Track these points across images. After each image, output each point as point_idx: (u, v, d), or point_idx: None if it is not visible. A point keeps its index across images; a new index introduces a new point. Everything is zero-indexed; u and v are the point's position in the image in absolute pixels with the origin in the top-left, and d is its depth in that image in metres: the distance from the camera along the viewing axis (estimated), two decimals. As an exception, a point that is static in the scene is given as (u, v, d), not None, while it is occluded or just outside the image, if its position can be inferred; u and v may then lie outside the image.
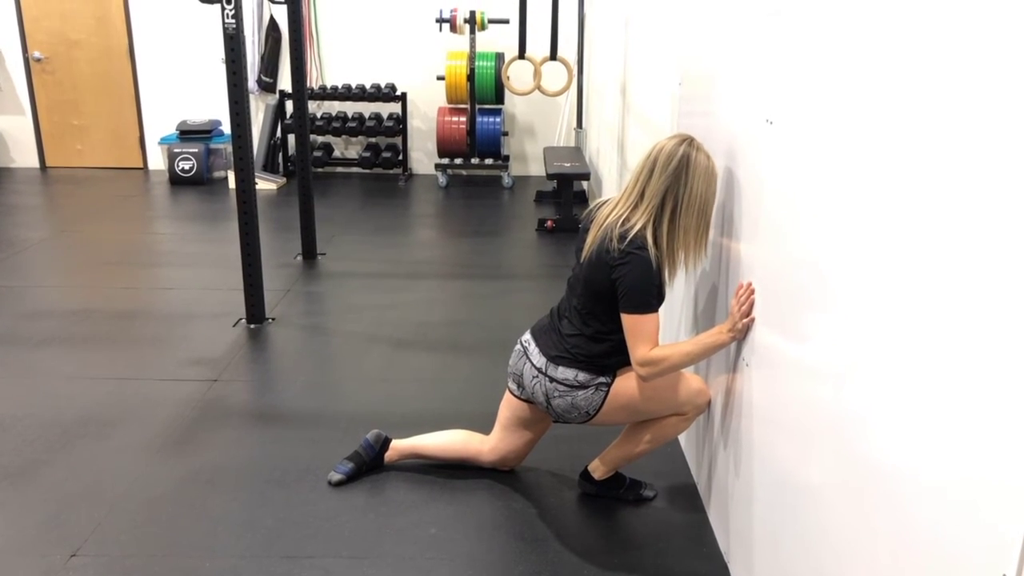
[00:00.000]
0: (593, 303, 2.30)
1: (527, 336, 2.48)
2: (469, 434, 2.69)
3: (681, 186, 2.17)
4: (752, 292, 2.05)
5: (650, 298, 2.19)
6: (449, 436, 2.70)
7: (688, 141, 2.21)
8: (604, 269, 2.21)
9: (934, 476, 1.18)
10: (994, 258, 1.04)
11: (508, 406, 2.57)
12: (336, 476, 2.62)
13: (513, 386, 2.52)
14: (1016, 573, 0.99)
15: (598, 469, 2.56)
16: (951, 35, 1.15)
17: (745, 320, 2.07)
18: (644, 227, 2.18)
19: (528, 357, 2.42)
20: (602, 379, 2.33)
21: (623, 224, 2.21)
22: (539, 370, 2.38)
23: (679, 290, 2.91)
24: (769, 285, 1.95)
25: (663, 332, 2.92)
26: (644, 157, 2.24)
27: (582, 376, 2.32)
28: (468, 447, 2.66)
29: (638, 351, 2.21)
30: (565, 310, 2.41)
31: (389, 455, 2.69)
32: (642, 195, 2.21)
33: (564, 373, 2.34)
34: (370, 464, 2.66)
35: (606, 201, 2.35)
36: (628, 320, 2.21)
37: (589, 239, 2.28)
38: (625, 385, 2.33)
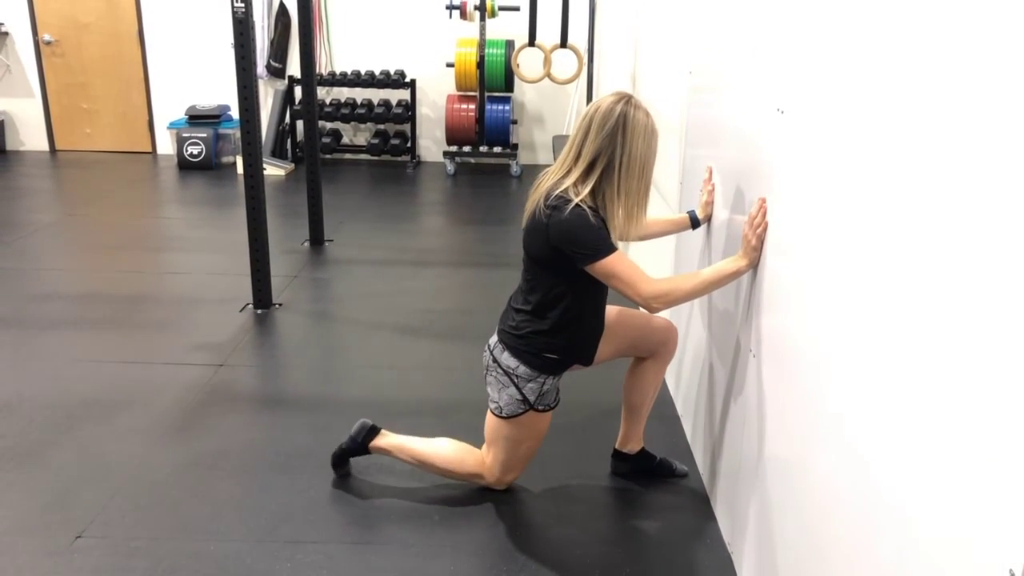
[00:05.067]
0: (535, 270, 2.24)
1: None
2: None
3: (618, 146, 2.08)
4: (766, 213, 1.98)
5: (602, 241, 2.08)
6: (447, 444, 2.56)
7: (626, 99, 2.10)
8: (540, 234, 2.14)
9: (941, 469, 1.16)
10: (1014, 255, 1.02)
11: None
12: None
13: None
14: (1024, 569, 0.98)
15: (629, 442, 2.60)
16: (972, 19, 1.13)
17: (759, 242, 2.00)
18: (573, 185, 2.11)
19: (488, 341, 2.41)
20: (532, 386, 2.28)
21: (554, 187, 2.15)
22: (488, 346, 2.37)
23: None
24: (778, 277, 1.93)
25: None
26: (581, 117, 2.16)
27: (521, 370, 2.28)
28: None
29: (638, 290, 2.08)
30: (518, 287, 2.36)
31: (376, 442, 2.54)
32: (577, 157, 2.13)
33: (507, 361, 2.30)
34: (349, 452, 2.56)
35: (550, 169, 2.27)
36: (600, 271, 2.09)
37: (528, 207, 2.22)
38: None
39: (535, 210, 2.17)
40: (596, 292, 2.23)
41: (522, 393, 2.29)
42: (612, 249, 2.10)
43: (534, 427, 2.36)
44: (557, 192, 2.12)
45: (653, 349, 2.49)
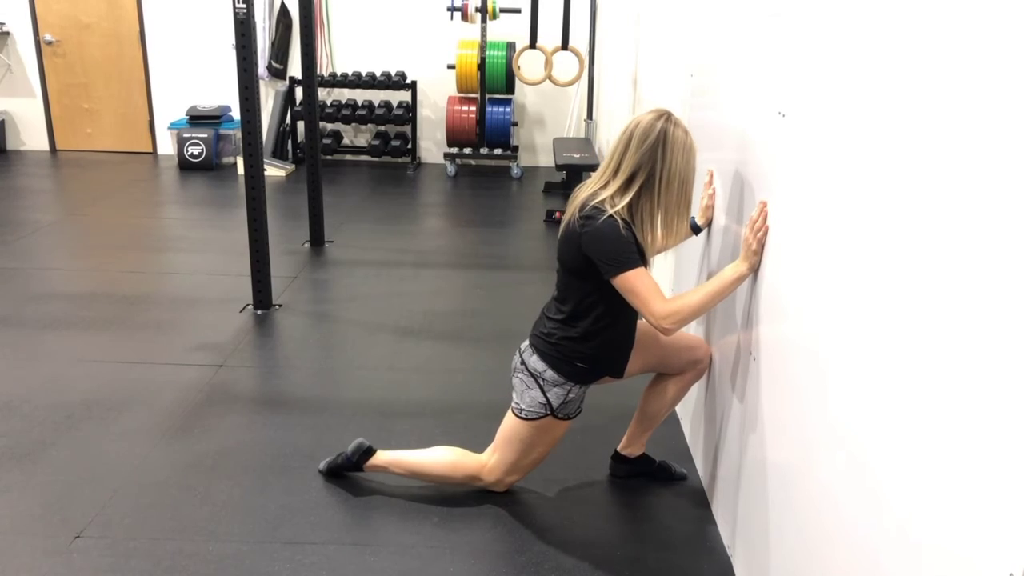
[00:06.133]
0: (568, 279, 2.26)
1: None
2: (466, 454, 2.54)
3: (658, 161, 2.10)
4: (767, 217, 1.99)
5: (628, 254, 2.09)
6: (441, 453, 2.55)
7: (666, 116, 2.13)
8: (573, 243, 2.16)
9: (941, 473, 1.16)
10: (1013, 260, 1.02)
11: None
12: (321, 465, 2.62)
13: None
14: None
15: (631, 446, 2.60)
16: (971, 24, 1.13)
17: (760, 246, 2.02)
18: (611, 196, 2.13)
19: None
20: (557, 391, 2.29)
21: (591, 198, 2.16)
22: (519, 350, 2.37)
23: (690, 284, 2.89)
24: (778, 280, 1.93)
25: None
26: (621, 132, 2.18)
27: (548, 374, 2.28)
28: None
29: (651, 309, 2.09)
30: (552, 296, 2.37)
31: (371, 462, 2.55)
32: (616, 171, 2.15)
33: (535, 364, 2.30)
34: (343, 468, 2.57)
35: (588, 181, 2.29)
36: (620, 284, 2.11)
37: (564, 217, 2.24)
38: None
39: (570, 219, 2.19)
40: (628, 304, 2.21)
41: (546, 396, 2.30)
42: (636, 264, 2.10)
43: (550, 433, 2.36)
44: (593, 203, 2.14)
45: (683, 368, 2.49)
